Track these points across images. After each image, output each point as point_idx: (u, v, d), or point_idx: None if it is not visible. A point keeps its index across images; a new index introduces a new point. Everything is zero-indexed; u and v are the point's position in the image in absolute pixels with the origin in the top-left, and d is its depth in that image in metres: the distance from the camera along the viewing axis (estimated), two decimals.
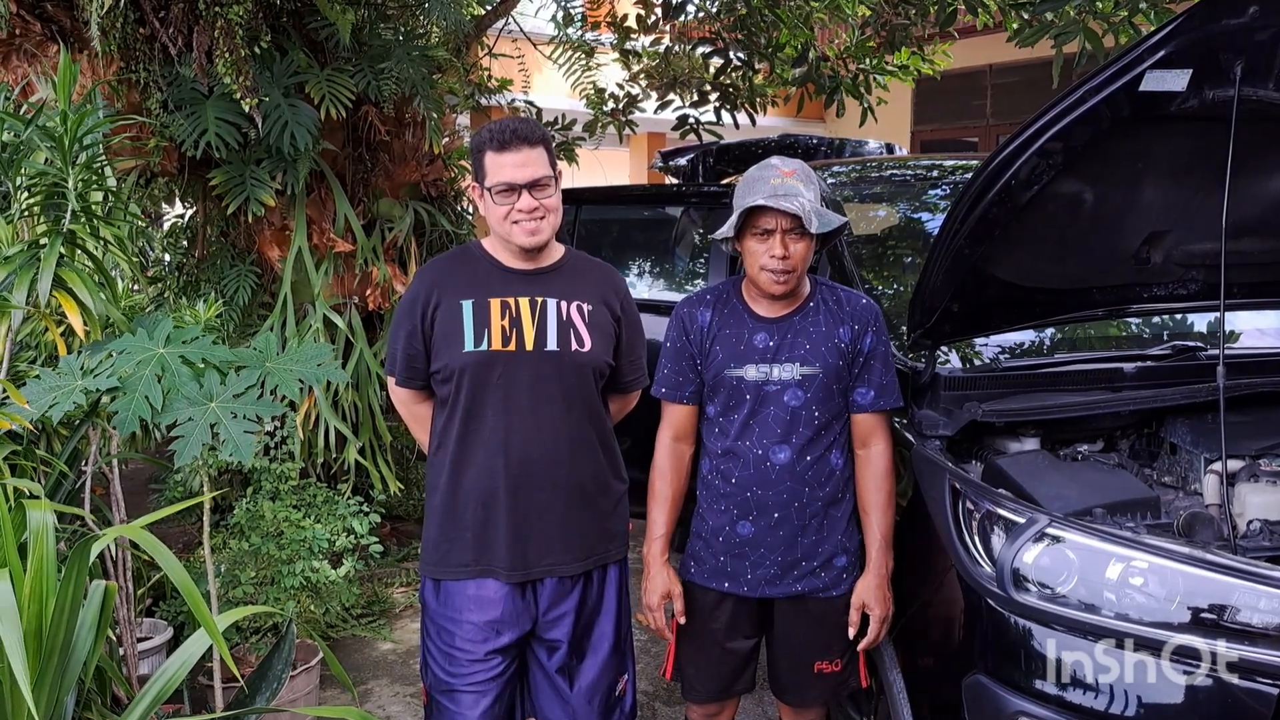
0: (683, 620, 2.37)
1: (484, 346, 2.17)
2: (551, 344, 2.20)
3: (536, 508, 2.21)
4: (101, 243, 2.81)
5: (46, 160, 2.72)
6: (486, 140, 2.17)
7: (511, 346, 2.18)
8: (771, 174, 2.21)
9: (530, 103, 6.33)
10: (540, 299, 2.22)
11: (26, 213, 2.78)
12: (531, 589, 2.24)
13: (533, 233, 2.17)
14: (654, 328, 3.88)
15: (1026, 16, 5.30)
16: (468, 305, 2.19)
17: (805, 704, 2.45)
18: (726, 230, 2.25)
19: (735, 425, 2.29)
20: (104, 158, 2.95)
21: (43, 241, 2.65)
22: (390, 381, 2.36)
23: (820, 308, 2.31)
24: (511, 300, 2.20)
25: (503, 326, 2.18)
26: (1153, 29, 1.96)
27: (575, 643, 2.28)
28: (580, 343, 2.23)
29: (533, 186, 2.15)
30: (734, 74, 6.23)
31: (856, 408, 2.30)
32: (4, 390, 2.42)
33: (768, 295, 2.27)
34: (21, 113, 2.97)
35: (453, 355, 2.19)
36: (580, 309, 2.25)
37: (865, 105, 6.42)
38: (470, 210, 5.25)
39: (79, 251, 2.73)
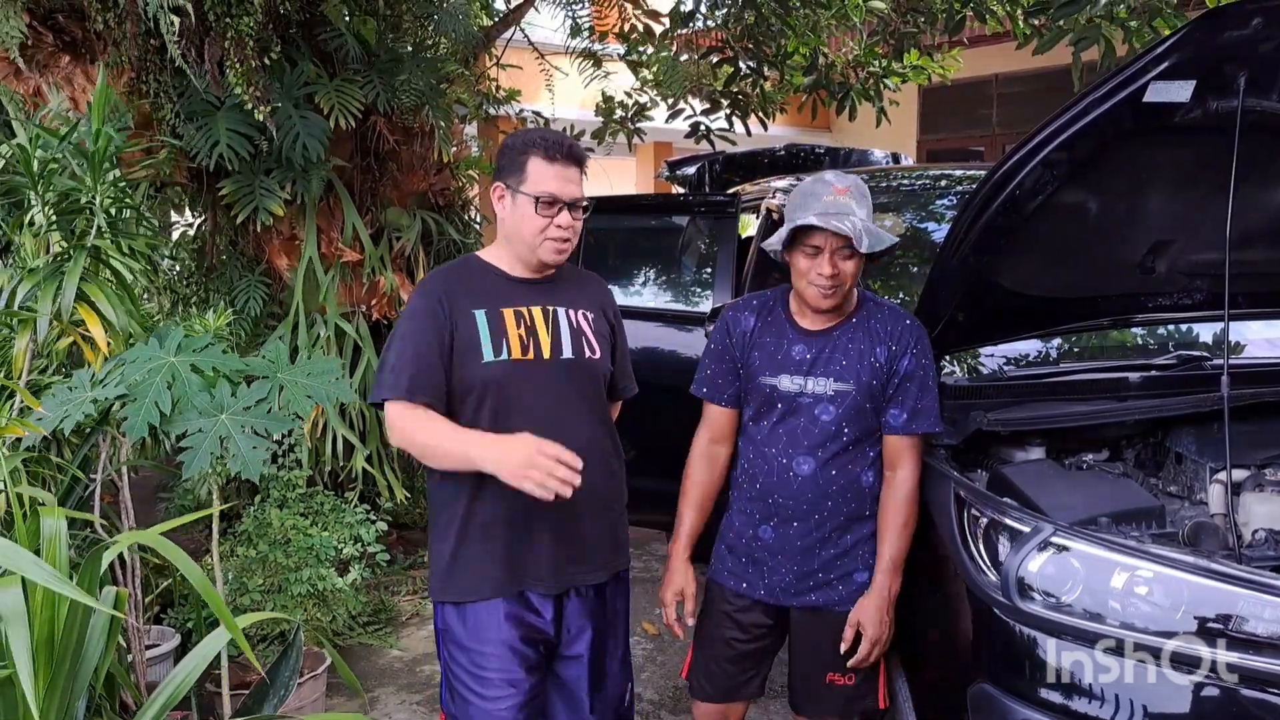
0: (691, 622, 2.37)
1: (504, 356, 2.12)
2: (567, 352, 2.18)
3: (566, 518, 2.15)
4: (124, 257, 2.86)
5: (69, 173, 2.78)
6: (536, 145, 2.11)
7: (530, 355, 2.14)
8: (825, 190, 2.20)
9: (538, 113, 6.35)
10: (551, 308, 2.19)
11: (52, 227, 2.83)
12: (558, 602, 2.20)
13: (560, 251, 2.15)
14: (660, 336, 3.92)
15: (1036, 24, 5.31)
16: (480, 315, 2.13)
17: (818, 714, 2.43)
18: (775, 243, 2.25)
19: (763, 431, 2.32)
20: (126, 181, 3.02)
21: (67, 255, 2.71)
22: (393, 406, 2.09)
23: (862, 325, 2.30)
24: (524, 309, 2.17)
25: (520, 335, 2.14)
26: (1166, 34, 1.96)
27: (595, 655, 2.25)
28: (592, 350, 2.22)
29: (573, 206, 2.13)
30: (744, 81, 6.25)
31: (889, 429, 2.28)
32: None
33: (813, 308, 2.28)
34: (36, 118, 3.02)
35: (471, 368, 2.11)
36: (585, 317, 2.24)
37: (878, 107, 6.43)
38: (479, 220, 5.27)
39: (102, 265, 2.78)
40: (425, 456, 2.11)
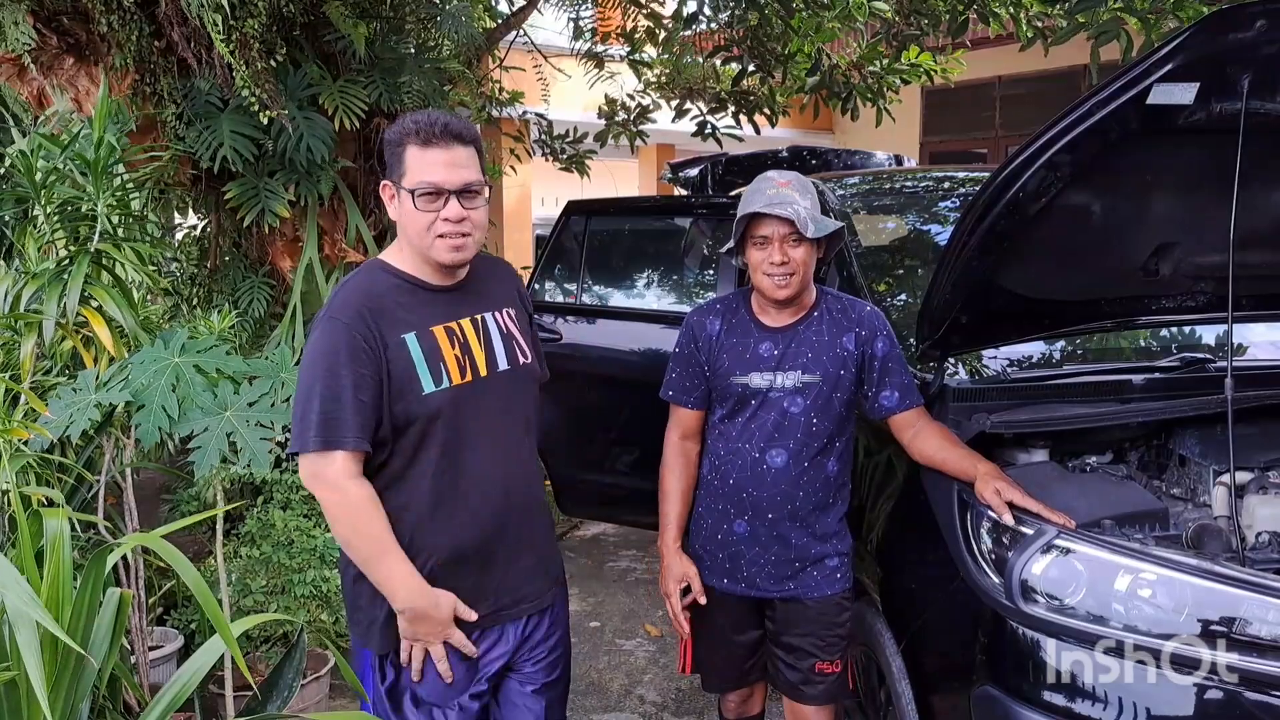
0: (702, 600, 2.40)
1: (445, 384, 1.89)
2: (503, 363, 1.99)
3: (527, 537, 2.06)
4: (125, 261, 2.88)
5: (71, 181, 2.81)
6: (410, 131, 1.86)
7: (469, 377, 1.93)
8: (767, 185, 2.29)
9: (540, 115, 6.35)
10: (479, 316, 1.98)
11: (56, 232, 2.85)
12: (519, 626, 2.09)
13: (458, 248, 1.89)
14: (663, 338, 3.92)
15: (1040, 26, 5.30)
16: (411, 340, 1.88)
17: (809, 702, 2.44)
18: (730, 242, 2.34)
19: (736, 428, 2.37)
20: (131, 184, 3.03)
21: (70, 259, 2.73)
22: (331, 458, 1.83)
23: (824, 317, 2.37)
24: (455, 325, 1.94)
25: (456, 356, 1.92)
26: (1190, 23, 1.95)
27: (550, 668, 2.16)
28: (524, 354, 2.05)
29: (462, 193, 1.87)
30: (751, 79, 6.26)
31: (885, 411, 2.35)
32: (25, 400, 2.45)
33: (773, 302, 2.33)
34: (40, 121, 3.04)
35: (410, 401, 1.86)
36: (509, 315, 2.06)
37: (881, 107, 6.43)
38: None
39: (103, 270, 2.81)
40: (347, 545, 1.91)
